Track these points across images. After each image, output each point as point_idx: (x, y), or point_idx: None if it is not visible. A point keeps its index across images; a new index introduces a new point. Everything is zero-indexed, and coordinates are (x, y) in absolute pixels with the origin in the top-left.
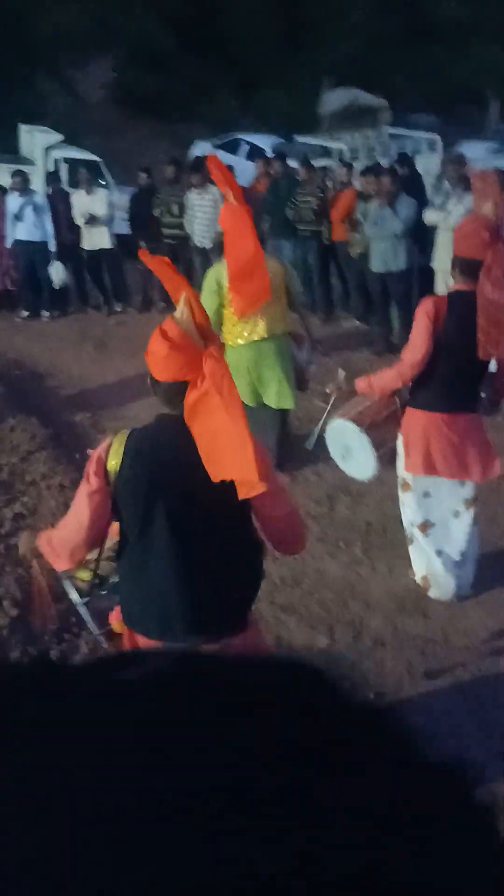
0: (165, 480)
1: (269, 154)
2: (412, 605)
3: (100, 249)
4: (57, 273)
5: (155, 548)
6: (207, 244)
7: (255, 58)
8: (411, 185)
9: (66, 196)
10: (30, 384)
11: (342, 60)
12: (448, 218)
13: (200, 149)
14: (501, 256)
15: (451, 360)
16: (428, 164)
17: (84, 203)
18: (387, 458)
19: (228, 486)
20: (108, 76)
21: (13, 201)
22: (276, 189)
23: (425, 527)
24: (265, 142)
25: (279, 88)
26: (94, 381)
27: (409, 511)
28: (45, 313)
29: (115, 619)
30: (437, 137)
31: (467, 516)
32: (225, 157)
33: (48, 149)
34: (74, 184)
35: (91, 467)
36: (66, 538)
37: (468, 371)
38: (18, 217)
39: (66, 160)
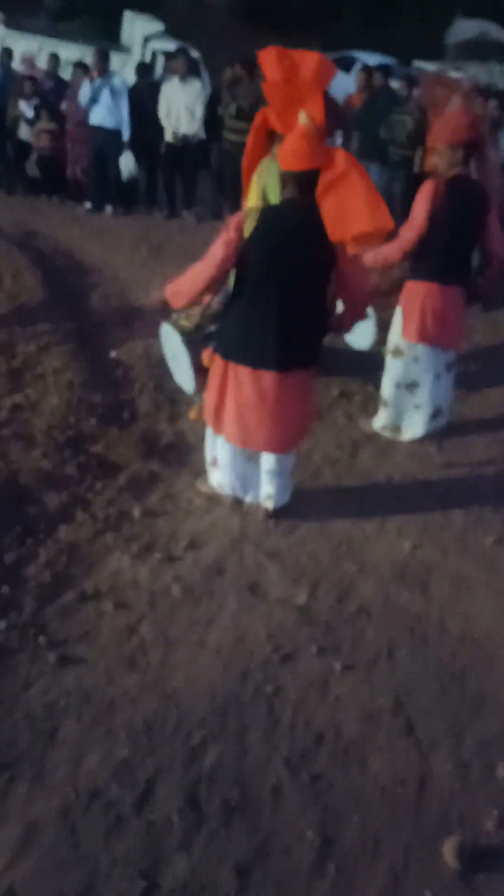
0: (282, 249)
1: None
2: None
3: (180, 147)
4: (127, 164)
5: (264, 298)
6: None
7: None
8: None
9: (156, 86)
10: (72, 277)
11: None
12: None
13: None
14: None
15: (446, 236)
16: None
17: (174, 91)
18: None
19: (321, 263)
20: None
21: (89, 83)
22: (372, 104)
23: (411, 387)
24: (380, 62)
25: (406, 11)
26: (138, 286)
27: (399, 373)
28: (109, 208)
29: (206, 356)
30: None
31: (447, 378)
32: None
33: (147, 39)
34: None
35: (233, 224)
36: (193, 278)
37: (460, 247)
38: (94, 100)
39: (164, 53)
